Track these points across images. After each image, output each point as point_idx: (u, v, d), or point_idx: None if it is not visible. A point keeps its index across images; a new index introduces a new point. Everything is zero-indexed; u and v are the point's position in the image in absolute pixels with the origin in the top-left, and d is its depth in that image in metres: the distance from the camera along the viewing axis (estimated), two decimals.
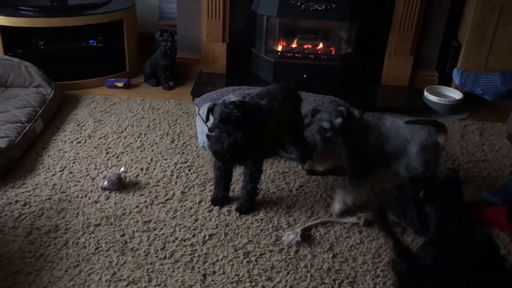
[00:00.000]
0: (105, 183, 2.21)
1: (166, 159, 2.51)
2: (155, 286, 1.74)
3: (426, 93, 3.29)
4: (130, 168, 2.42)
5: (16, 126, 2.48)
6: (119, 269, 1.80)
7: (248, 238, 1.99)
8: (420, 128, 2.05)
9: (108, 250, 1.89)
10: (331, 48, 3.46)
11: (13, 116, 2.56)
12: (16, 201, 2.13)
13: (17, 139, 2.40)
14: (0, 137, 2.35)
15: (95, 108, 3.02)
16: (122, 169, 2.30)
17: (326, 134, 2.06)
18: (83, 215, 2.07)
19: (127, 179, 2.31)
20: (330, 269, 1.85)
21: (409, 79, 3.47)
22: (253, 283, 1.77)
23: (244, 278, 1.79)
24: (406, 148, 2.05)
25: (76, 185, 2.27)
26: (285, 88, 2.34)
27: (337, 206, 2.14)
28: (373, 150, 2.08)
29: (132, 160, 2.49)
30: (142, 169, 2.41)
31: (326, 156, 2.30)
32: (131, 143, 2.65)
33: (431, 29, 3.38)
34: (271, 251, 1.93)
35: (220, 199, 2.18)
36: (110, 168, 2.41)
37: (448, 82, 3.42)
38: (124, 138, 2.70)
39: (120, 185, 2.24)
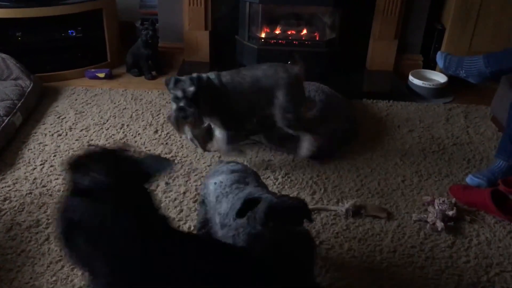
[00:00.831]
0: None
1: (149, 150, 2.47)
2: None
3: (410, 77, 3.28)
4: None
5: None
6: None
7: None
8: (278, 69, 2.26)
9: None
10: (315, 34, 3.43)
11: None
12: None
13: None
14: None
15: (76, 99, 2.96)
16: None
17: (179, 104, 2.11)
18: None
19: None
20: (317, 257, 1.84)
21: (394, 64, 3.45)
22: None
23: None
24: (273, 93, 2.24)
25: (57, 179, 2.22)
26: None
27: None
28: (241, 107, 2.26)
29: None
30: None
31: (182, 125, 2.23)
32: (113, 135, 2.60)
33: (415, 12, 3.35)
34: None
35: None
36: None
37: (432, 66, 3.41)
38: (106, 129, 2.65)
39: None
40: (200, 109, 2.15)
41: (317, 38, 3.41)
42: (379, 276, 1.77)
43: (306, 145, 2.35)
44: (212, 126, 2.36)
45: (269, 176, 2.31)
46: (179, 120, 2.16)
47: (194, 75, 2.15)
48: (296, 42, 3.36)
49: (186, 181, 2.24)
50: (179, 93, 2.10)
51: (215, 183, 1.61)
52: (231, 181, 1.60)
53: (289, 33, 3.42)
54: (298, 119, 2.31)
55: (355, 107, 2.99)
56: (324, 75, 3.19)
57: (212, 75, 2.23)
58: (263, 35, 3.36)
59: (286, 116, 2.28)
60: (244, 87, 2.24)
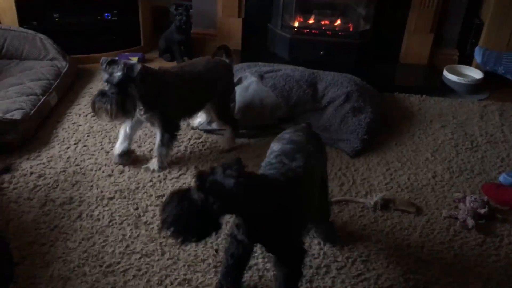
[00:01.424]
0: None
1: (180, 135, 2.48)
2: (168, 259, 1.74)
3: (445, 72, 3.22)
4: (144, 143, 2.42)
5: (31, 99, 2.48)
6: (132, 242, 1.81)
7: None
8: (218, 62, 2.31)
9: (121, 223, 1.90)
10: (349, 25, 3.39)
11: (28, 88, 2.56)
12: (31, 173, 2.14)
13: (32, 111, 2.40)
14: (15, 109, 2.35)
15: None
16: None
17: (104, 88, 2.00)
18: (97, 188, 2.08)
19: (142, 154, 2.31)
20: (343, 247, 1.84)
21: (429, 58, 3.39)
22: (265, 259, 1.76)
23: (256, 254, 1.78)
24: (215, 85, 2.27)
25: (90, 159, 2.27)
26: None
27: (155, 163, 2.20)
28: (183, 102, 2.20)
29: (146, 134, 2.48)
30: (155, 144, 2.40)
31: (99, 111, 2.00)
32: None
33: (453, 6, 3.28)
34: None
35: None
36: None
37: (468, 61, 3.34)
38: None
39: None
40: (129, 101, 1.98)
41: (351, 29, 3.37)
42: (405, 270, 1.76)
43: (229, 137, 2.41)
44: (151, 126, 2.28)
45: None
46: (96, 105, 1.99)
47: (132, 61, 2.03)
48: (329, 33, 3.33)
49: None
50: (106, 76, 1.97)
51: (271, 149, 1.59)
52: (280, 151, 1.52)
53: (323, 23, 3.38)
54: (229, 110, 2.44)
55: (386, 100, 2.95)
56: (356, 66, 3.17)
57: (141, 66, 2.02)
58: (296, 24, 3.34)
59: (222, 106, 2.37)
60: (187, 80, 2.20)
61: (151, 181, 2.14)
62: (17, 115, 2.31)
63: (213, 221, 1.27)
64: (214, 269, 1.71)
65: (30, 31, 2.96)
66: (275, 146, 1.59)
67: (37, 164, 2.20)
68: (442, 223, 2.00)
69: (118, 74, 1.93)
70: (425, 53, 3.37)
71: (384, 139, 2.57)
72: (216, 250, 1.79)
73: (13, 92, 2.51)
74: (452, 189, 2.21)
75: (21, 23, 3.11)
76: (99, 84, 2.97)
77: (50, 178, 2.12)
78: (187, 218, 1.24)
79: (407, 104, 2.97)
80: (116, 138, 2.41)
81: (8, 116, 2.29)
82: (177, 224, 1.24)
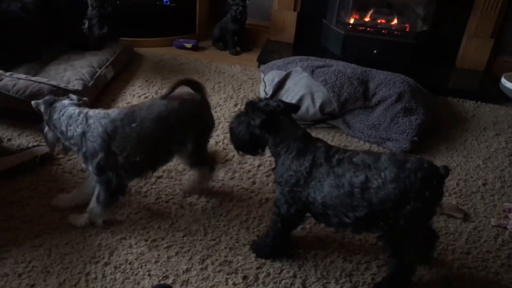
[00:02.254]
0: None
1: (228, 122, 2.53)
2: (210, 240, 1.78)
3: (503, 80, 3.11)
4: None
5: (89, 71, 2.58)
6: (177, 220, 1.85)
7: None
8: (184, 102, 1.79)
9: (167, 201, 1.95)
10: (406, 25, 3.33)
11: (86, 61, 2.66)
12: None
13: (90, 83, 2.50)
14: (75, 79, 2.47)
15: (164, 66, 3.08)
16: None
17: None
18: None
19: None
20: None
21: (487, 64, 3.28)
22: (305, 251, 1.77)
23: (297, 245, 1.79)
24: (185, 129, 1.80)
25: None
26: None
27: (84, 219, 1.78)
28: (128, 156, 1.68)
29: None
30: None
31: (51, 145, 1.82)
32: None
33: None
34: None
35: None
36: None
37: None
38: None
39: None
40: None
41: (407, 29, 3.31)
42: (448, 274, 1.72)
43: (200, 179, 1.97)
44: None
45: None
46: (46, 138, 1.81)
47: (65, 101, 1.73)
48: (385, 31, 3.28)
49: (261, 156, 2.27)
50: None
51: None
52: None
53: (379, 21, 3.34)
54: (206, 154, 1.98)
55: (439, 103, 2.88)
56: (410, 67, 3.11)
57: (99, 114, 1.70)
58: (351, 21, 3.31)
59: (197, 153, 1.89)
60: (143, 128, 1.69)
61: None
62: (78, 86, 2.42)
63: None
64: (254, 254, 1.73)
65: None
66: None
67: None
68: (490, 232, 1.94)
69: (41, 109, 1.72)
70: (483, 59, 3.27)
71: (434, 142, 2.52)
72: (258, 236, 1.81)
73: (72, 65, 2.62)
74: (503, 198, 2.14)
75: None
76: (153, 67, 3.05)
77: None
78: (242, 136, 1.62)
79: (460, 109, 2.89)
80: None
81: (70, 86, 2.40)
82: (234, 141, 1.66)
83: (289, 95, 2.62)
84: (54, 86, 2.33)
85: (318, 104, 2.55)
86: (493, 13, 3.14)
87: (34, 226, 1.76)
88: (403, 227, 1.45)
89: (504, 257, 1.82)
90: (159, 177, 2.08)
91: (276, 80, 2.70)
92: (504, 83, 3.10)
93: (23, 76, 2.35)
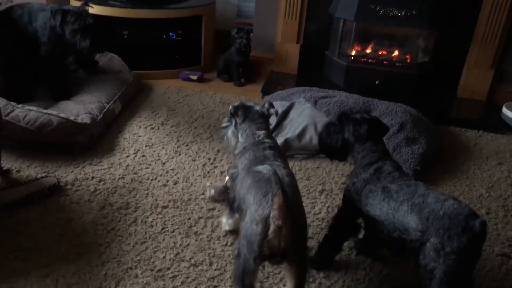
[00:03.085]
0: (212, 191, 2.17)
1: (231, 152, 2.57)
2: (215, 270, 1.79)
3: (504, 109, 3.15)
4: (198, 157, 2.50)
5: (97, 106, 2.64)
6: (182, 250, 1.87)
7: (308, 235, 2.00)
8: None
9: (173, 231, 1.97)
10: (407, 56, 3.40)
11: (95, 97, 2.73)
12: (93, 177, 2.27)
13: (98, 118, 2.56)
14: (84, 113, 2.53)
15: (169, 98, 3.15)
16: (227, 179, 2.22)
17: None
18: (152, 196, 2.17)
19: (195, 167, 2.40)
20: (389, 275, 1.82)
21: (488, 93, 3.33)
22: (311, 279, 1.78)
23: None
24: None
25: (147, 168, 2.38)
26: None
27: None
28: None
29: (200, 149, 2.58)
30: (209, 159, 2.49)
31: None
32: (200, 134, 2.73)
33: None
34: None
35: None
36: (180, 155, 2.50)
37: None
38: (195, 128, 2.79)
39: (225, 195, 2.15)
40: None
41: (408, 61, 3.38)
42: None
43: None
44: None
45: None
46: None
47: None
48: (386, 63, 3.35)
49: None
50: None
51: None
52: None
53: (380, 53, 3.41)
54: None
55: (442, 133, 2.92)
56: (412, 97, 3.17)
57: None
58: (353, 52, 3.38)
59: None
60: None
61: (203, 193, 2.21)
62: (86, 119, 2.48)
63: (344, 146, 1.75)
64: (259, 284, 1.74)
65: None
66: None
67: (99, 170, 2.33)
68: (494, 261, 1.94)
69: None
70: (484, 88, 3.32)
71: (437, 171, 2.54)
72: (263, 266, 1.82)
73: (83, 99, 2.70)
74: (506, 227, 2.15)
75: None
76: (159, 99, 3.12)
77: (110, 183, 2.24)
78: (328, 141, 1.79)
79: (463, 138, 2.92)
80: (172, 150, 2.52)
81: (79, 119, 2.46)
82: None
83: (293, 125, 2.67)
84: (63, 118, 2.39)
85: None
86: (492, 44, 3.21)
87: (41, 256, 1.78)
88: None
89: (508, 286, 1.82)
90: (164, 207, 2.11)
91: (280, 110, 2.76)
92: (505, 113, 3.14)
93: (34, 108, 2.42)
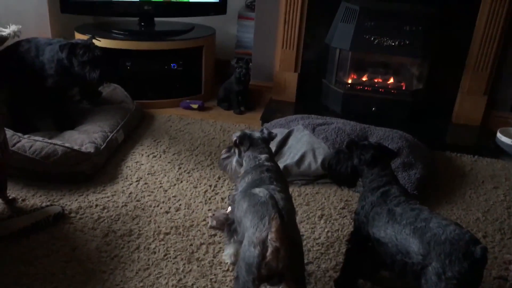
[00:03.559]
0: (214, 223, 2.22)
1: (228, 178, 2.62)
2: None
3: (498, 134, 3.22)
4: (200, 184, 2.56)
5: (101, 135, 2.71)
6: (184, 276, 1.90)
7: (308, 260, 2.04)
8: None
9: (175, 257, 2.01)
10: (402, 84, 3.49)
11: (98, 126, 2.80)
12: (96, 205, 2.31)
13: (102, 147, 2.63)
14: (88, 142, 2.60)
15: (171, 126, 3.22)
16: (229, 209, 2.25)
17: None
18: (154, 223, 2.22)
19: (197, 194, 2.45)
20: None
21: (482, 119, 3.41)
22: None
23: None
24: None
25: (150, 195, 2.43)
26: None
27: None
28: None
29: (201, 176, 2.63)
30: (210, 186, 2.54)
31: None
32: (202, 161, 2.79)
33: (508, 69, 3.32)
34: (329, 276, 1.96)
35: None
36: (181, 182, 2.56)
37: None
38: (196, 155, 2.85)
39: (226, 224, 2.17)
40: None
41: (403, 88, 3.46)
42: None
43: None
44: None
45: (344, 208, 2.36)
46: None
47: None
48: (382, 90, 3.44)
49: None
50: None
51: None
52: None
53: (376, 80, 3.50)
54: None
55: (437, 158, 2.98)
56: (408, 124, 3.23)
57: None
58: (349, 80, 3.47)
59: None
60: None
61: (204, 220, 2.26)
62: (90, 148, 2.54)
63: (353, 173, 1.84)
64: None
65: None
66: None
67: (102, 198, 2.38)
68: (491, 284, 1.97)
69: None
70: (478, 115, 3.40)
71: (434, 196, 2.59)
72: None
73: (86, 129, 2.77)
74: (503, 250, 2.19)
75: None
76: (161, 127, 3.19)
77: (113, 211, 2.29)
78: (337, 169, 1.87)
79: (458, 163, 2.98)
80: (174, 177, 2.57)
81: (83, 148, 2.52)
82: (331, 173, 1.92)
83: (292, 152, 2.73)
84: (68, 147, 2.45)
85: (319, 160, 2.65)
86: (484, 71, 3.30)
87: (46, 283, 1.81)
88: None
89: None
90: (167, 234, 2.14)
91: (279, 138, 2.82)
92: (500, 138, 3.20)
93: (40, 138, 2.48)
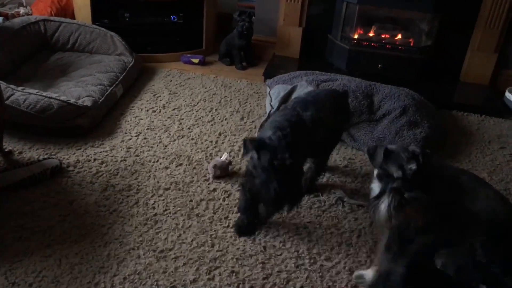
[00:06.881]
0: (218, 172, 2.18)
1: (234, 135, 2.57)
2: (217, 251, 1.80)
3: (507, 94, 3.13)
4: (200, 140, 2.50)
5: (100, 88, 2.64)
6: (184, 232, 1.88)
7: (310, 218, 2.01)
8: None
9: (175, 213, 1.98)
10: (410, 40, 3.37)
11: (96, 79, 2.72)
12: (95, 159, 2.27)
13: (100, 100, 2.56)
14: (85, 96, 2.52)
15: (171, 81, 3.14)
16: (224, 155, 2.28)
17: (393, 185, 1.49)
18: (154, 179, 2.17)
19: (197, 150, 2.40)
20: None
21: (491, 78, 3.31)
22: (312, 261, 1.79)
23: (303, 255, 1.81)
24: None
25: (149, 150, 2.38)
26: (336, 97, 2.09)
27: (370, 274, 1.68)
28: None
29: (202, 132, 2.57)
30: (211, 142, 2.49)
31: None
32: (202, 117, 2.73)
33: None
34: (331, 232, 1.94)
35: (248, 225, 1.89)
36: (182, 138, 2.50)
37: None
38: (196, 111, 2.78)
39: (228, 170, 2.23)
40: None
41: (412, 44, 3.35)
42: None
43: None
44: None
45: (348, 174, 2.32)
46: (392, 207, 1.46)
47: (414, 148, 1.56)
48: (389, 46, 3.32)
49: None
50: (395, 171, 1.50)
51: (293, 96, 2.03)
52: (298, 101, 1.98)
53: (383, 36, 3.38)
54: None
55: (444, 117, 2.91)
56: (415, 81, 3.15)
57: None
58: (356, 36, 3.35)
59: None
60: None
61: (204, 176, 2.22)
62: (87, 102, 2.47)
63: None
64: (261, 265, 1.75)
65: (102, 28, 3.14)
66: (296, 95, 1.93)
67: (100, 152, 2.33)
68: None
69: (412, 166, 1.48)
70: (487, 73, 3.30)
71: (440, 155, 2.53)
72: (264, 247, 1.83)
73: (84, 81, 2.68)
74: None
75: (94, 20, 3.31)
76: (161, 82, 3.10)
77: (112, 165, 2.24)
78: None
79: (465, 123, 2.91)
80: (174, 133, 2.52)
81: (80, 102, 2.45)
82: None
83: None
84: (64, 101, 2.38)
85: None
86: (496, 28, 3.18)
87: (44, 236, 1.79)
88: None
89: None
90: (166, 189, 2.11)
91: (282, 94, 2.75)
92: (508, 97, 3.12)
93: (34, 91, 2.41)
